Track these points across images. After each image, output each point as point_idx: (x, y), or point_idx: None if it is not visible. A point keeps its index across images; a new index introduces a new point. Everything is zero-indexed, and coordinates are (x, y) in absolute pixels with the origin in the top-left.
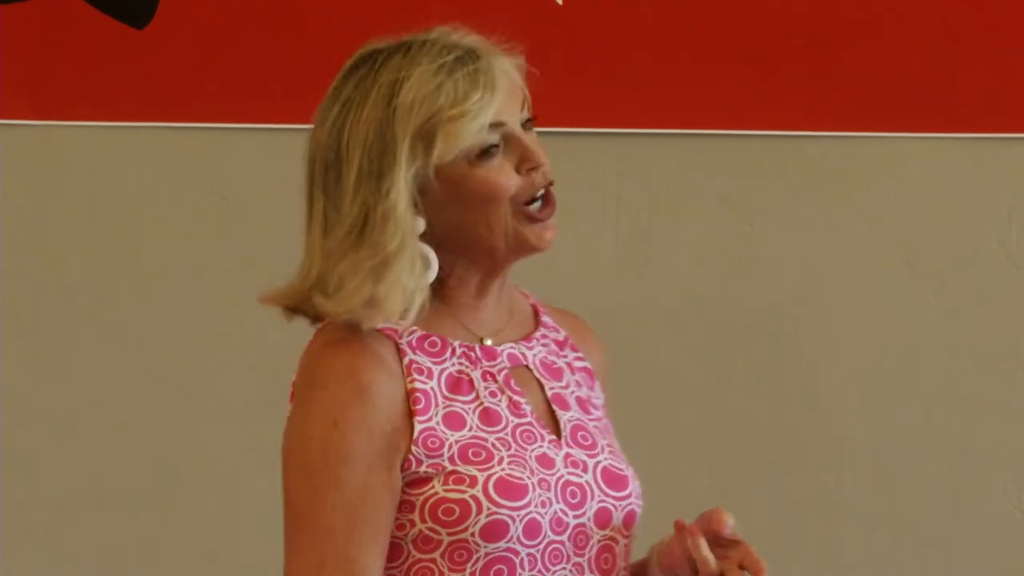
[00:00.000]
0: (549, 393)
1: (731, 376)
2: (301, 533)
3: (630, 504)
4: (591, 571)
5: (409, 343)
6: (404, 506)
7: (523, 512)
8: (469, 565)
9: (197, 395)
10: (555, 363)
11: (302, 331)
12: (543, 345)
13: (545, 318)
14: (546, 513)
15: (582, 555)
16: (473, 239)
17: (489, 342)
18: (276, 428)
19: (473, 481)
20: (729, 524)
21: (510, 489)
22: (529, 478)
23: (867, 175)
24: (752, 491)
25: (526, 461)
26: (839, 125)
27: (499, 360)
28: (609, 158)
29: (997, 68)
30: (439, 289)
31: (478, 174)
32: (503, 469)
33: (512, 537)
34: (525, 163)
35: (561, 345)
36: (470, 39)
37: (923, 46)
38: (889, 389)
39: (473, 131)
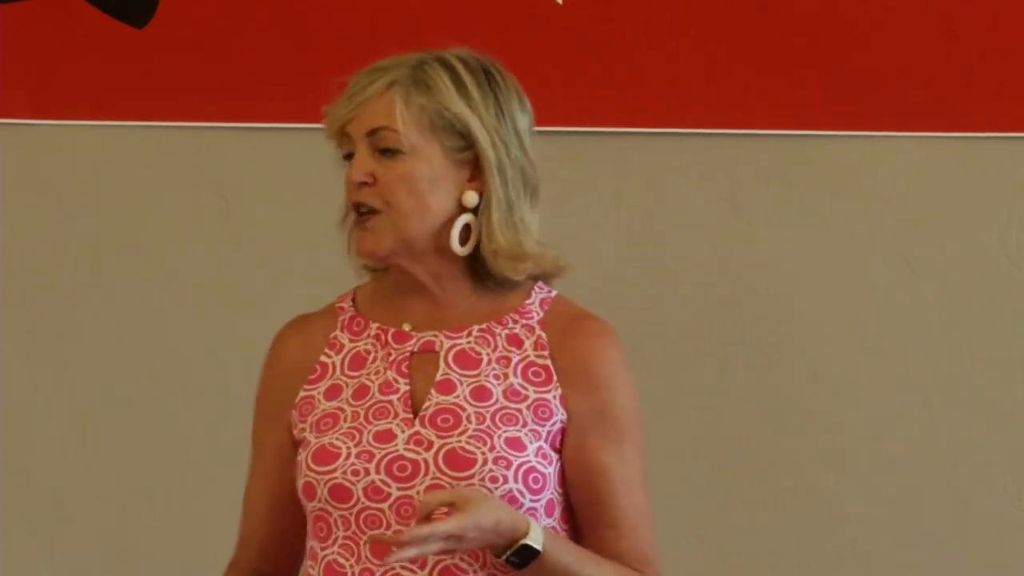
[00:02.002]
0: (438, 378)
1: (731, 376)
2: None
3: (469, 485)
4: None
5: (342, 322)
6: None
7: (327, 477)
8: (309, 522)
9: (197, 394)
10: (478, 354)
11: None
12: (478, 338)
13: (522, 317)
14: (358, 481)
15: (407, 524)
16: None
17: (407, 327)
18: None
19: (307, 446)
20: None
21: (323, 456)
22: (348, 448)
23: (867, 175)
24: (752, 491)
25: (359, 433)
26: (839, 125)
27: (408, 344)
28: (609, 158)
29: (997, 68)
30: (388, 278)
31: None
32: (329, 438)
33: (321, 498)
34: (347, 177)
35: (517, 342)
36: (423, 58)
37: (923, 46)
38: (889, 389)
39: (328, 131)
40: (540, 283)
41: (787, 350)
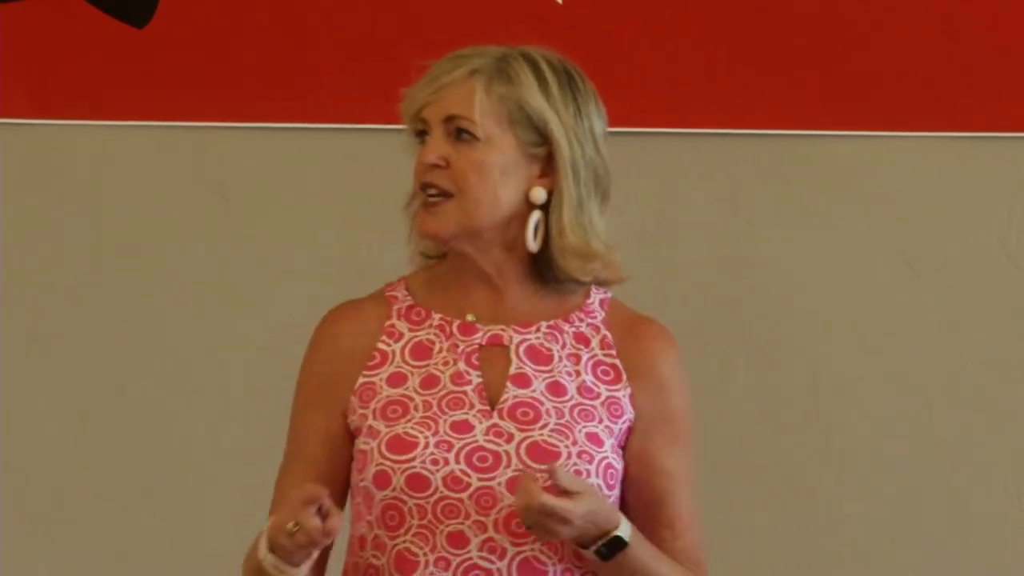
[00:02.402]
0: (512, 371)
1: (731, 376)
2: None
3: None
4: (496, 531)
5: (398, 310)
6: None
7: (405, 466)
8: (373, 509)
9: (197, 394)
10: (549, 350)
11: (301, 331)
12: (547, 334)
13: (588, 316)
14: (437, 470)
15: (486, 515)
16: None
17: (471, 319)
18: (276, 426)
19: (376, 435)
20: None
21: (400, 445)
22: (426, 437)
23: (867, 175)
24: (752, 491)
25: (435, 423)
26: (839, 125)
27: (475, 336)
28: (609, 158)
29: (997, 68)
30: (447, 268)
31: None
32: (403, 427)
33: (396, 487)
34: (419, 158)
35: (585, 340)
36: (507, 52)
37: (923, 46)
38: (889, 389)
39: (404, 113)
40: (594, 285)
41: (787, 350)
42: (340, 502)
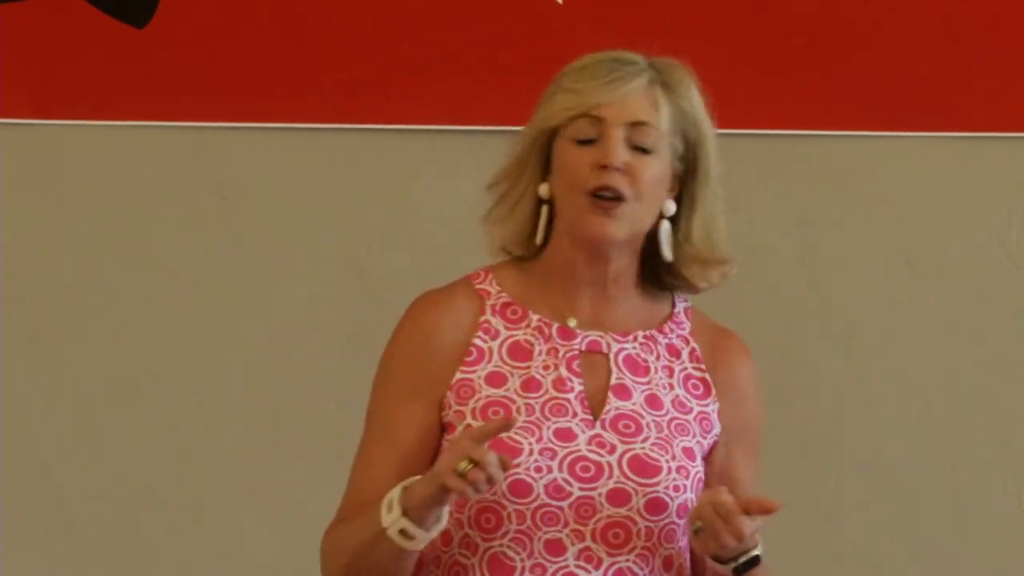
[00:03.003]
0: (613, 382)
1: None
2: (362, 436)
3: (654, 492)
4: (594, 540)
5: (493, 306)
6: (439, 451)
7: (510, 471)
8: (466, 509)
9: (197, 394)
10: (645, 361)
11: (301, 330)
12: (643, 345)
13: (677, 327)
14: (540, 478)
15: (584, 524)
16: (561, 216)
17: (572, 324)
18: (275, 426)
19: None
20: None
21: (503, 449)
22: (530, 444)
23: (867, 175)
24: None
25: (538, 429)
26: (839, 125)
27: (574, 342)
28: None
29: (997, 68)
30: (546, 266)
31: (569, 154)
32: (508, 432)
33: (497, 491)
34: (600, 160)
35: (676, 352)
36: (664, 61)
37: (923, 46)
38: (889, 389)
39: (571, 106)
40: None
41: (787, 350)
42: None
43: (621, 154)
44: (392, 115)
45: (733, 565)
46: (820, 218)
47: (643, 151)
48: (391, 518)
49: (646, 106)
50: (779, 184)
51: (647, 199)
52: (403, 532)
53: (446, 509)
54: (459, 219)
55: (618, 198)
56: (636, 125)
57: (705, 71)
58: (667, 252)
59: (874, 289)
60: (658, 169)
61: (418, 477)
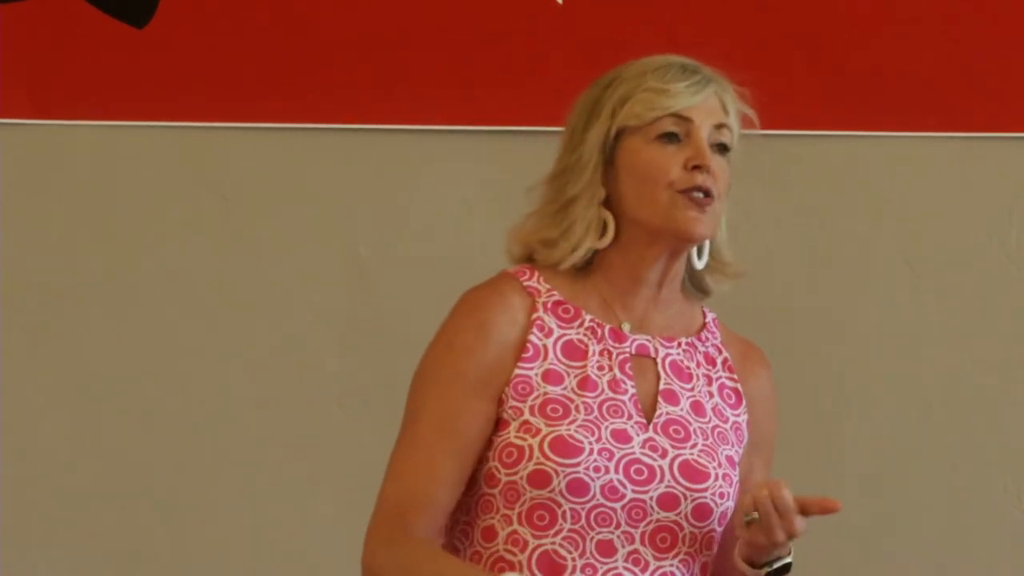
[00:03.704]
0: (662, 386)
1: None
2: (406, 430)
3: (702, 498)
4: (643, 544)
5: (544, 304)
6: (487, 445)
7: (569, 470)
8: (517, 506)
9: (197, 394)
10: (688, 368)
11: (301, 330)
12: (685, 351)
13: (711, 335)
14: (598, 478)
15: (635, 527)
16: (633, 216)
17: (626, 328)
18: (275, 426)
19: (536, 432)
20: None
21: (564, 447)
22: (591, 443)
23: (867, 175)
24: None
25: (597, 429)
26: (839, 125)
27: (624, 344)
28: None
29: (997, 68)
30: (599, 267)
31: (650, 151)
32: (567, 429)
33: (555, 489)
34: (693, 159)
35: (711, 361)
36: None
37: (924, 46)
38: (889, 389)
39: (661, 106)
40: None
41: (787, 350)
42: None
43: (710, 155)
44: (392, 115)
45: (767, 570)
46: (820, 218)
47: (724, 149)
48: None
49: (719, 109)
50: (779, 184)
51: (724, 199)
52: None
53: None
54: (459, 219)
55: (707, 196)
56: (722, 127)
57: None
58: (698, 260)
59: (874, 289)
60: (729, 171)
61: None
